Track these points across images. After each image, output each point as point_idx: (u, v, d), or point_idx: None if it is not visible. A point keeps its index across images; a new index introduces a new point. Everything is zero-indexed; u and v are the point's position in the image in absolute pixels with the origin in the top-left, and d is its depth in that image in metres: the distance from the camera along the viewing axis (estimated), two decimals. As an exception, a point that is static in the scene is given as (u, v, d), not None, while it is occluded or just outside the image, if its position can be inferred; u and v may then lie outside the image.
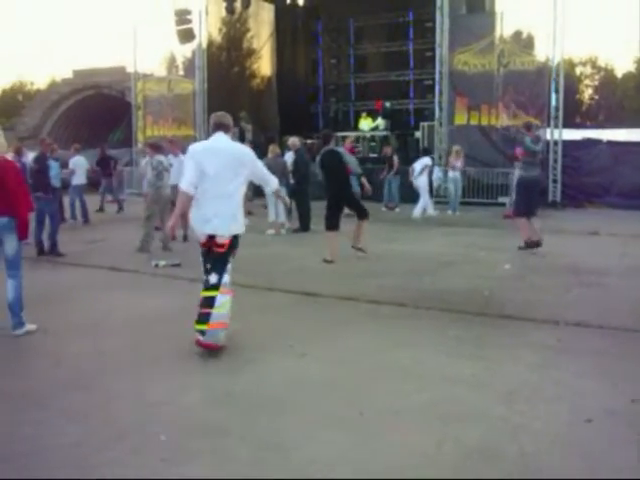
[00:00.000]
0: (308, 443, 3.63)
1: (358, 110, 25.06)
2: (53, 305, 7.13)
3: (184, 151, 13.50)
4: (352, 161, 10.02)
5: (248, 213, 15.35)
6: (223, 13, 23.55)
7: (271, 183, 5.74)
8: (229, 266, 5.46)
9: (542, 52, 19.04)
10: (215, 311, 5.18)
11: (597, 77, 55.47)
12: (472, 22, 19.53)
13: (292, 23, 26.40)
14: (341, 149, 10.69)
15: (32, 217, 9.84)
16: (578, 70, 53.33)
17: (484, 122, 19.02)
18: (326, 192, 10.07)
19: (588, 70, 55.32)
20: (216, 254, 5.38)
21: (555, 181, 18.47)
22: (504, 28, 19.28)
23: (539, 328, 5.99)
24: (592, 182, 18.31)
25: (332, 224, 9.66)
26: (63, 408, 4.18)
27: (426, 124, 20.33)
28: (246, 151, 5.60)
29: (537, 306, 6.80)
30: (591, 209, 17.73)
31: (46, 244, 10.39)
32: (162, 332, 5.92)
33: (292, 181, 13.26)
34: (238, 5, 23.23)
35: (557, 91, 18.50)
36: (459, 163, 16.59)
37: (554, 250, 10.29)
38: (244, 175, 5.40)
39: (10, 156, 8.50)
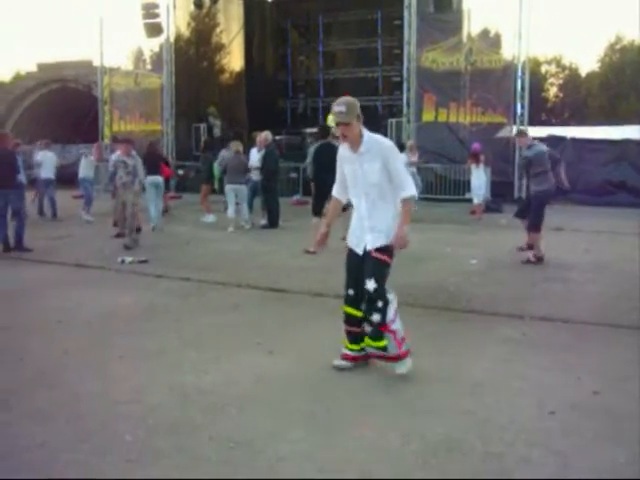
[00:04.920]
0: (275, 441, 3.62)
1: (327, 106, 25.05)
2: (17, 302, 7.02)
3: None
4: None
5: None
6: (191, 7, 23.42)
7: None
8: None
9: (509, 51, 19.28)
10: None
11: (562, 76, 56.27)
12: (440, 20, 19.68)
13: (261, 19, 26.33)
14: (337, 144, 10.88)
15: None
16: (543, 69, 54.03)
17: (452, 120, 19.18)
18: (316, 184, 10.44)
19: (553, 69, 56.08)
20: None
21: (520, 177, 18.68)
22: (472, 26, 19.49)
23: (504, 322, 6.06)
24: (557, 179, 18.55)
25: (318, 211, 10.11)
26: (27, 408, 4.11)
27: (394, 120, 20.42)
28: None
29: (503, 301, 6.89)
30: (556, 205, 17.92)
31: (12, 240, 10.25)
32: (128, 330, 5.86)
33: (255, 177, 13.26)
34: (206, 0, 23.08)
35: (523, 89, 18.74)
36: (414, 158, 16.64)
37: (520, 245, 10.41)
38: None
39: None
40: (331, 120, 23.55)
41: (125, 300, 6.98)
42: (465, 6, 20.46)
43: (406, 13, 19.18)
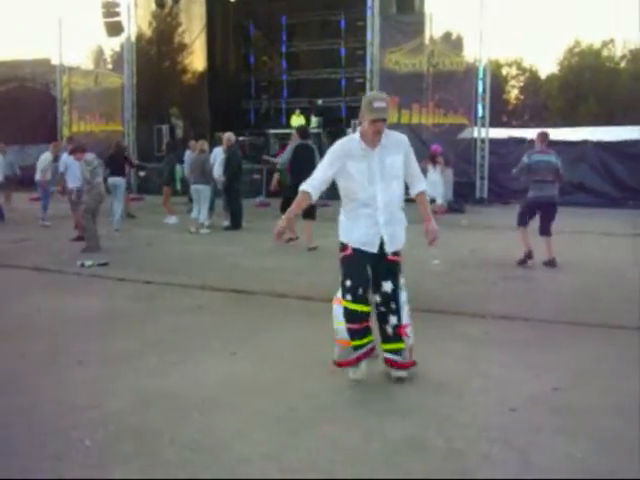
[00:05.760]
0: (239, 442, 3.59)
1: (290, 107, 25.05)
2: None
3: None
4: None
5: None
6: (153, 6, 23.21)
7: None
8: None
9: (470, 53, 19.53)
10: None
11: (522, 78, 57.14)
12: (402, 22, 19.83)
13: (224, 18, 26.17)
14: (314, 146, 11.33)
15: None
16: (504, 71, 54.81)
17: (415, 121, 19.33)
18: (291, 184, 10.39)
19: (514, 71, 56.92)
20: None
21: (482, 178, 18.94)
22: (434, 29, 19.69)
23: (467, 321, 6.12)
24: (517, 180, 18.79)
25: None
26: (-17, 414, 4.02)
27: (357, 121, 20.44)
28: None
29: (465, 300, 6.97)
30: (517, 205, 18.17)
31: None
32: (89, 334, 5.76)
33: (223, 178, 13.14)
34: (168, -1, 22.94)
35: (484, 91, 18.98)
36: None
37: (481, 245, 10.56)
38: None
39: None
40: (295, 122, 23.63)
41: (85, 304, 6.87)
42: (427, 9, 20.69)
43: (369, 14, 19.27)
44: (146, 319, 6.29)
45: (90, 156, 10.77)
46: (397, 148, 4.44)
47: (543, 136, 9.30)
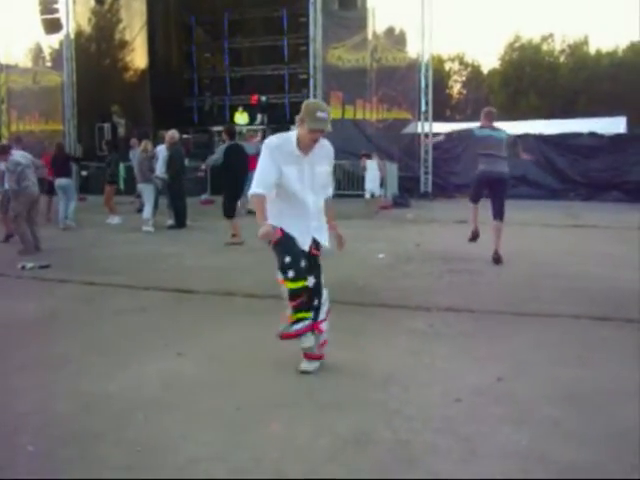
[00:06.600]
0: (185, 443, 3.55)
1: (233, 104, 24.89)
2: None
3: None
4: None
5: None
6: (92, 3, 22.78)
7: None
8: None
9: (413, 48, 19.75)
10: None
11: (465, 73, 57.98)
12: (345, 18, 19.92)
13: (165, 15, 25.81)
14: (246, 144, 11.77)
15: None
16: (447, 66, 55.53)
17: (359, 116, 19.45)
18: (225, 184, 10.89)
19: (456, 66, 57.71)
20: None
21: (426, 173, 19.17)
22: (377, 24, 19.86)
23: (412, 315, 6.18)
24: (461, 173, 19.14)
25: (232, 213, 10.77)
26: None
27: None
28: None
29: (410, 294, 7.03)
30: (461, 199, 18.49)
31: None
32: (30, 338, 5.61)
33: (161, 176, 13.03)
34: (108, -5, 22.54)
35: (427, 86, 19.21)
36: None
37: (426, 239, 10.69)
38: None
39: None
40: (239, 119, 23.49)
41: (26, 308, 6.68)
42: (370, 4, 20.82)
43: (311, 10, 19.28)
44: (89, 321, 6.16)
45: (12, 162, 10.16)
46: (326, 159, 4.54)
47: (488, 113, 9.09)
